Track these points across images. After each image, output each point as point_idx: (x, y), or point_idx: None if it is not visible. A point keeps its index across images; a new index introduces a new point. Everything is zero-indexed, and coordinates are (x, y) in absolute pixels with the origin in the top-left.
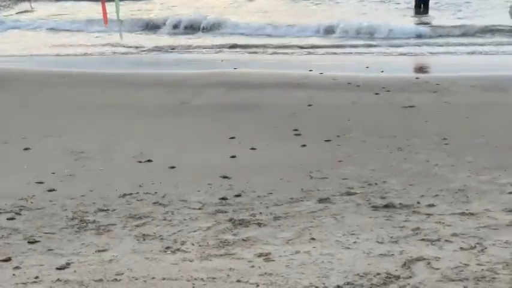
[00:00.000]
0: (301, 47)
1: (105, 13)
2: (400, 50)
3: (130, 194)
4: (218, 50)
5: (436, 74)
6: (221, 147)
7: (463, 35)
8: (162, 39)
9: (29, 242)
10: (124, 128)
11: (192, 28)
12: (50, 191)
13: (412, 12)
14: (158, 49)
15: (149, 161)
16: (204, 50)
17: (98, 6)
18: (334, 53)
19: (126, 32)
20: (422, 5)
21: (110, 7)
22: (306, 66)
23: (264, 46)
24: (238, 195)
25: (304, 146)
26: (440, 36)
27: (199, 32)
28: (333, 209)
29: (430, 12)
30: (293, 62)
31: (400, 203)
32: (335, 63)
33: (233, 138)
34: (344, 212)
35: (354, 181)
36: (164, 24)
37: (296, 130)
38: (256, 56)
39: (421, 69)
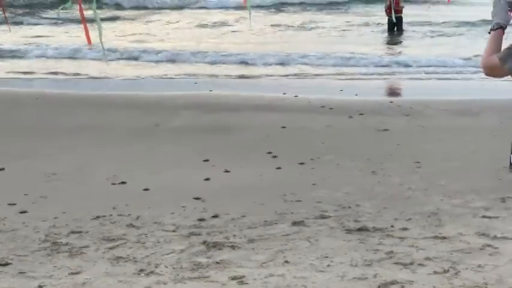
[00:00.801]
0: (268, 75)
1: (87, 33)
2: (374, 75)
3: (104, 216)
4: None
5: (410, 98)
6: (195, 170)
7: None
8: (141, 66)
9: (0, 265)
10: (98, 150)
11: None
12: (22, 212)
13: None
14: (136, 76)
15: (123, 183)
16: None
17: (73, 30)
18: (308, 77)
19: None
20: (395, 27)
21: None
22: (281, 90)
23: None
24: (212, 218)
25: (278, 168)
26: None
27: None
28: (306, 232)
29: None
30: (268, 85)
31: (374, 227)
32: (310, 86)
33: (207, 160)
34: (318, 235)
35: (328, 204)
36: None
37: (270, 153)
38: (232, 80)
39: (394, 93)
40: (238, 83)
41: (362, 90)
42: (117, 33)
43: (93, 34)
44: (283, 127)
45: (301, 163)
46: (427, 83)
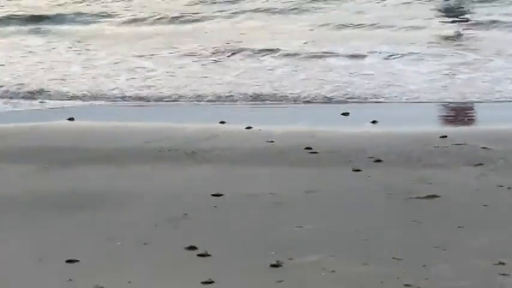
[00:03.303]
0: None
1: None
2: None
3: None
4: None
5: (482, 128)
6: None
7: None
8: None
9: None
10: None
11: None
12: None
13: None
14: None
15: None
16: None
17: None
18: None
19: None
20: None
21: None
22: (216, 115)
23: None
24: None
25: (209, 283)
26: None
27: None
28: None
29: None
30: (188, 107)
31: None
32: (276, 108)
33: (72, 261)
34: None
35: None
36: None
37: (193, 248)
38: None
39: (452, 118)
40: (128, 107)
41: (384, 114)
42: None
43: None
44: (218, 195)
45: (259, 269)
46: None
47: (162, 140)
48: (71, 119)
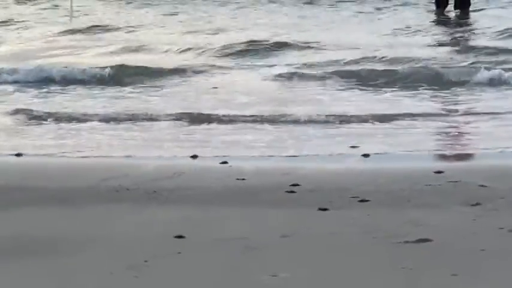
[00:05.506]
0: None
1: None
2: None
3: None
4: None
5: (481, 162)
6: None
7: None
8: None
9: None
10: None
11: None
12: None
13: None
14: None
15: None
16: None
17: None
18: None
19: None
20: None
21: None
22: (187, 146)
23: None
24: None
25: None
26: None
27: None
28: None
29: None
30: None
31: None
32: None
33: None
34: None
35: None
36: None
37: None
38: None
39: (445, 154)
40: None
41: (377, 144)
42: None
43: None
44: (179, 237)
45: None
46: None
47: (120, 177)
48: (19, 154)
